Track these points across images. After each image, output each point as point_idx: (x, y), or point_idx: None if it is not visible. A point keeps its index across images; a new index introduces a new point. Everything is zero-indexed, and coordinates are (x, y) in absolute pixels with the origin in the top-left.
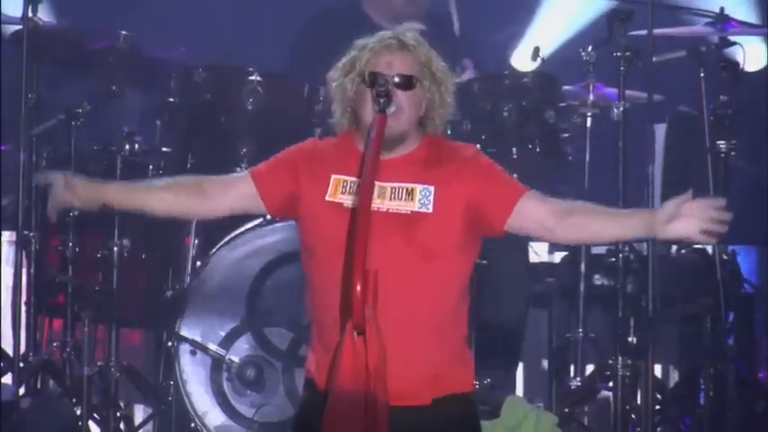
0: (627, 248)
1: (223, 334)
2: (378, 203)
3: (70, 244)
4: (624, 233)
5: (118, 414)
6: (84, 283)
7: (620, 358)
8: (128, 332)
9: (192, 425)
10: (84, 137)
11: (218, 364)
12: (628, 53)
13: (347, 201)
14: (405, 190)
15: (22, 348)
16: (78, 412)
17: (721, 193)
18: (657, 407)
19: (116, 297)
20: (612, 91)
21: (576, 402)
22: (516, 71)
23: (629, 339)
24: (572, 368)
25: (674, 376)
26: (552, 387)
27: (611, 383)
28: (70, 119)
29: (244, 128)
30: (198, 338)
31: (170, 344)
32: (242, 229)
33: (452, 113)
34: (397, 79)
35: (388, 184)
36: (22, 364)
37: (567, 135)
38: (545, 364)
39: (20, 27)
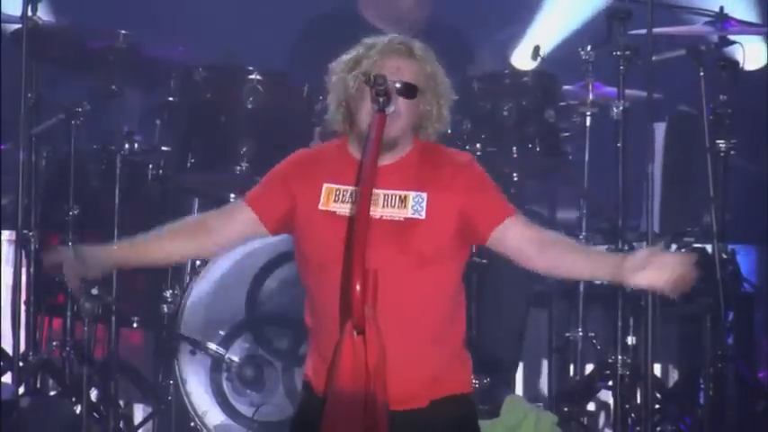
0: (627, 248)
1: (223, 333)
2: (371, 210)
3: (70, 243)
4: (595, 275)
5: (118, 413)
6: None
7: (619, 357)
8: (128, 332)
9: (192, 424)
10: (84, 136)
11: (217, 364)
12: (627, 52)
13: (340, 209)
14: (398, 197)
15: (22, 347)
16: (78, 411)
17: (721, 192)
18: (657, 406)
19: (116, 297)
20: (612, 90)
21: (575, 402)
22: (516, 70)
23: (629, 339)
24: (572, 368)
25: (674, 376)
26: (552, 387)
27: (610, 383)
28: (70, 118)
29: (244, 127)
30: (198, 338)
31: (170, 343)
32: None
33: (447, 127)
34: (398, 85)
35: (381, 191)
36: (21, 364)
37: (566, 134)
38: (545, 364)
39: (19, 26)
